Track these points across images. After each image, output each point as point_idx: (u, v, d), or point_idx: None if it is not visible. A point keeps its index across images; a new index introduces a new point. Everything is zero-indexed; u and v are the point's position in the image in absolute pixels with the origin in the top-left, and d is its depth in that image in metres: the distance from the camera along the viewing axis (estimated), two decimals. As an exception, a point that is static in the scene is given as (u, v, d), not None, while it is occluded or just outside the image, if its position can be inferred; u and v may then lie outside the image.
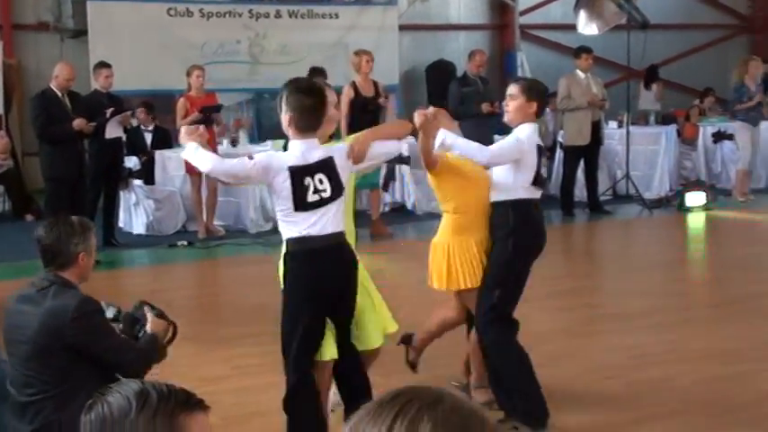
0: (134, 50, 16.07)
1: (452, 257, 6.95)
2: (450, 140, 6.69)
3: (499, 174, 6.80)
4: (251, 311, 9.87)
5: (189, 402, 2.38)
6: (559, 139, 16.81)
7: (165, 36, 16.78)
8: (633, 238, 14.83)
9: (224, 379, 7.67)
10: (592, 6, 17.03)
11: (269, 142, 15.18)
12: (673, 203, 16.05)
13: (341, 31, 18.30)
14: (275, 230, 13.39)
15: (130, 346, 4.81)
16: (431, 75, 19.63)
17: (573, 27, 17.47)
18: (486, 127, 14.35)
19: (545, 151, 17.06)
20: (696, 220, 15.18)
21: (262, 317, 9.56)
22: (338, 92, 14.09)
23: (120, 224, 14.29)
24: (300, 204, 5.81)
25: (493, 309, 6.77)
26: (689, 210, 15.55)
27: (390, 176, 15.38)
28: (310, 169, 5.84)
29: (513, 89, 7.00)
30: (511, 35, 20.56)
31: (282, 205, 5.88)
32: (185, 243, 13.25)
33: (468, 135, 14.67)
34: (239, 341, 8.74)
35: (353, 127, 13.17)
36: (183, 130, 6.21)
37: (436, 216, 15.02)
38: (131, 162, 14.29)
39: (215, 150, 13.95)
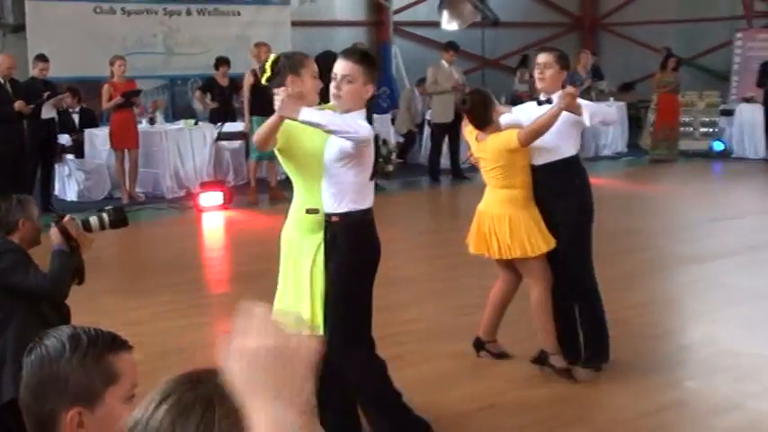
0: (66, 43, 15.78)
1: (518, 230, 6.17)
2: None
3: (553, 139, 6.02)
4: (167, 265, 9.83)
5: (115, 342, 2.40)
6: (427, 117, 16.87)
7: (92, 30, 16.58)
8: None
9: (145, 322, 7.59)
10: (452, 7, 17.14)
11: (181, 121, 15.07)
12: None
13: (242, 27, 18.24)
14: (188, 196, 13.50)
15: (43, 275, 4.80)
16: (320, 63, 19.55)
17: (437, 24, 17.55)
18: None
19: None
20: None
21: (176, 269, 9.54)
22: (240, 78, 14.15)
23: (56, 193, 14.03)
24: (374, 174, 5.03)
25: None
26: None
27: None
28: (376, 140, 5.19)
29: (547, 58, 6.34)
30: (386, 30, 20.55)
31: (361, 175, 4.92)
32: (110, 208, 13.05)
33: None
34: (157, 290, 8.68)
35: (255, 107, 13.19)
36: (287, 100, 4.88)
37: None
38: (64, 139, 14.07)
39: (135, 128, 13.86)
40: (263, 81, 5.25)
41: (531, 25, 23.12)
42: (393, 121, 17.21)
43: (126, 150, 13.71)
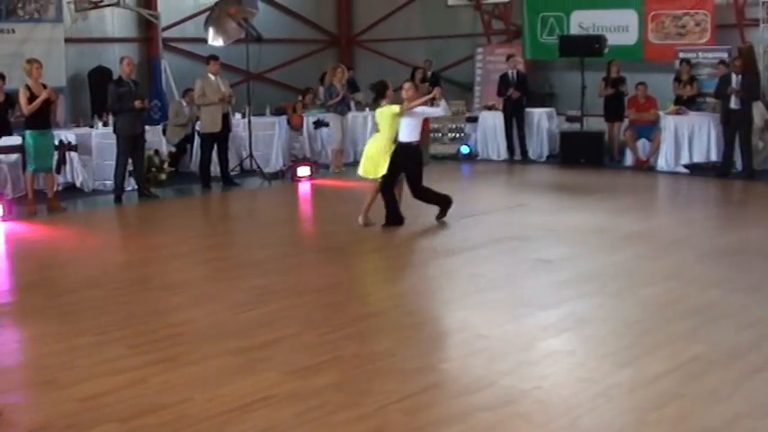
0: None
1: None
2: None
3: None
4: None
5: None
6: (197, 127, 16.64)
7: None
8: (257, 203, 14.91)
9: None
10: (217, 24, 16.96)
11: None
12: (287, 176, 16.28)
13: (17, 44, 17.52)
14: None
15: None
16: (92, 78, 19.06)
17: (204, 40, 17.34)
18: (138, 119, 14.09)
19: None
20: (304, 188, 15.43)
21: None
22: (15, 93, 13.57)
23: None
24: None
25: None
26: (298, 179, 15.80)
27: (62, 161, 14.80)
28: None
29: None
30: (156, 46, 20.14)
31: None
32: None
33: (122, 126, 14.37)
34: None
35: (32, 118, 12.72)
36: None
37: (101, 192, 14.68)
38: None
39: None
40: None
41: (293, 41, 23.23)
42: (164, 131, 16.88)
43: None
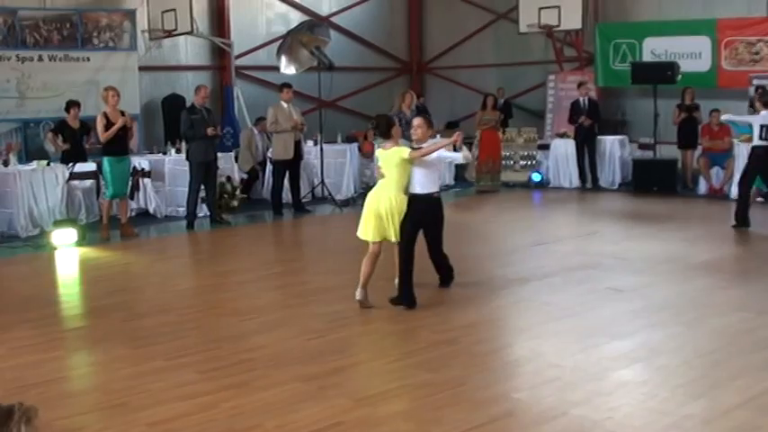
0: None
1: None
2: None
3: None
4: (22, 301, 9.45)
5: None
6: (269, 155, 16.80)
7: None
8: (329, 230, 14.96)
9: (3, 358, 7.29)
10: (290, 53, 17.12)
11: (35, 162, 14.58)
12: (358, 202, 16.31)
13: (92, 72, 17.91)
14: (42, 234, 13.06)
15: None
16: (166, 105, 19.36)
17: (276, 68, 17.51)
18: (210, 146, 14.26)
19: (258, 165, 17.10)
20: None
21: (32, 305, 9.19)
22: (91, 120, 13.82)
23: None
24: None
25: None
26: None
27: (136, 187, 15.05)
28: None
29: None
30: (228, 74, 20.42)
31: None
32: (-34, 246, 12.56)
33: (195, 153, 14.57)
34: (14, 326, 8.32)
35: (109, 144, 12.95)
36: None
37: (173, 218, 14.88)
38: None
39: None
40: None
41: (365, 69, 23.38)
42: (236, 158, 17.08)
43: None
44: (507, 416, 5.81)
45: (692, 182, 17.69)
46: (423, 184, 8.75)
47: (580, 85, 18.74)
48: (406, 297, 8.75)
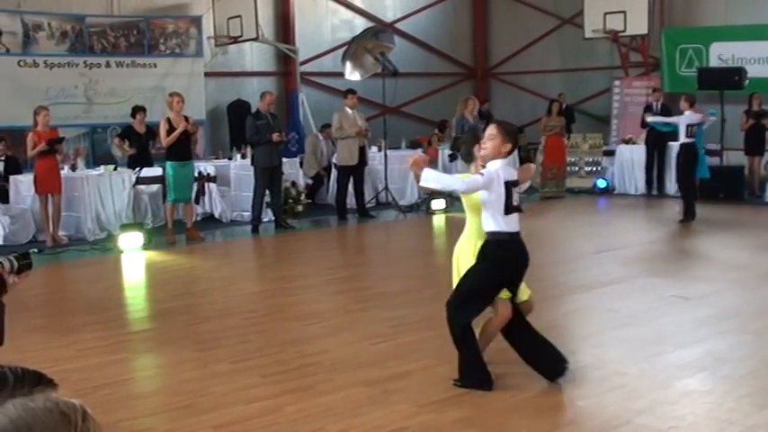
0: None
1: None
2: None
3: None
4: (89, 304, 9.62)
5: (41, 381, 2.30)
6: (334, 160, 16.89)
7: (17, 83, 16.36)
8: (393, 235, 15.01)
9: (70, 360, 7.40)
10: (354, 59, 17.19)
11: (102, 167, 14.83)
12: (422, 208, 16.35)
13: (158, 78, 18.16)
14: (109, 238, 13.28)
15: None
16: (231, 111, 19.55)
17: (341, 74, 17.60)
18: (275, 152, 14.37)
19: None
20: (439, 220, 15.46)
21: (99, 307, 9.34)
22: (156, 125, 14.02)
23: (-18, 237, 13.71)
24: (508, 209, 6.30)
25: None
26: (433, 212, 15.85)
27: (201, 192, 15.22)
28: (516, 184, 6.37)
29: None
30: (294, 80, 20.56)
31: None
32: (35, 250, 12.73)
33: (260, 158, 14.66)
34: (81, 328, 8.46)
35: (172, 149, 13.10)
36: (411, 161, 6.34)
37: (238, 223, 15.04)
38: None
39: (58, 173, 13.60)
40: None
41: (428, 75, 23.39)
42: (301, 164, 17.19)
43: (50, 195, 13.46)
44: (570, 423, 5.77)
45: (760, 189, 17.43)
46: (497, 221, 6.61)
47: (654, 90, 18.66)
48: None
